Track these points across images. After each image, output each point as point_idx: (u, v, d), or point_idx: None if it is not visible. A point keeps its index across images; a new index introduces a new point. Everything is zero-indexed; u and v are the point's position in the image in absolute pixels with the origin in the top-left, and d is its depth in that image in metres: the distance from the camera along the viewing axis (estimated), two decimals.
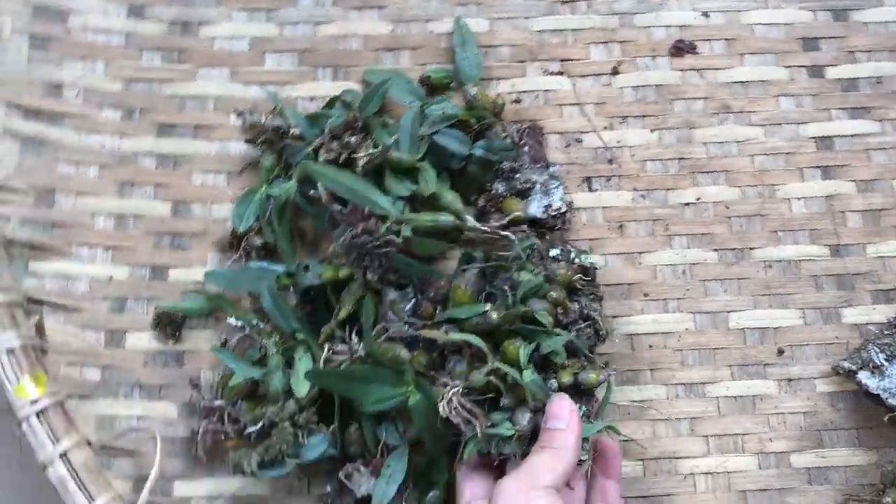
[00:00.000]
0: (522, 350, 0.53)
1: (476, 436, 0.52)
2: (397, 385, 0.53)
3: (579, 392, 0.55)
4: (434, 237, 0.58)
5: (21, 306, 0.55)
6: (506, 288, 0.55)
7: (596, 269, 0.60)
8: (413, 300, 0.58)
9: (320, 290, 0.59)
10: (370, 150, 0.59)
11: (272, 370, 0.55)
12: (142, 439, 0.57)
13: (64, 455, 0.51)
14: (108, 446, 0.56)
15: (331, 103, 0.63)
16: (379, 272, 0.56)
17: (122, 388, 0.59)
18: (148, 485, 0.50)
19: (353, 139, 0.59)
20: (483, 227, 0.56)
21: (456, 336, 0.53)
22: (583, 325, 0.57)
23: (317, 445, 0.55)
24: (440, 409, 0.51)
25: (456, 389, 0.51)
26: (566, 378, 0.54)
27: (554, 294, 0.55)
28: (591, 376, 0.54)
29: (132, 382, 0.59)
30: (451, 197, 0.58)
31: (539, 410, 0.53)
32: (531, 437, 0.53)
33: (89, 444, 0.53)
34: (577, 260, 0.59)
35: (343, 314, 0.57)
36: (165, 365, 0.59)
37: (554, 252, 0.59)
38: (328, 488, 0.56)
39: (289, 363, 0.56)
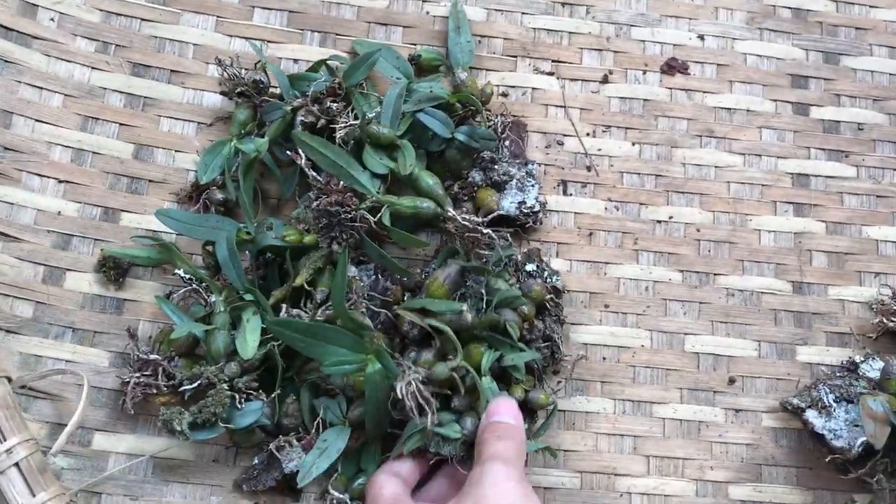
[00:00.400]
0: (486, 356, 0.53)
1: (424, 429, 0.50)
2: (358, 350, 0.51)
3: (526, 409, 0.55)
4: (413, 223, 0.57)
5: None
6: (482, 291, 0.54)
7: (563, 292, 0.59)
8: (373, 277, 0.57)
9: (277, 253, 0.57)
10: (350, 121, 0.57)
11: (218, 328, 0.53)
12: (66, 385, 0.54)
13: None
14: (29, 386, 0.53)
15: (315, 67, 0.61)
16: (345, 245, 0.54)
17: (54, 328, 0.56)
18: (69, 427, 0.48)
19: (334, 105, 0.57)
20: (465, 221, 0.54)
21: (438, 325, 0.52)
22: (542, 345, 0.57)
23: (252, 412, 0.53)
24: (397, 388, 0.49)
25: (417, 375, 0.49)
26: (517, 393, 0.55)
27: (525, 309, 0.55)
28: (540, 397, 0.56)
29: (65, 324, 0.56)
30: (431, 181, 0.57)
31: None
32: (469, 445, 0.53)
33: (9, 380, 0.50)
34: (550, 280, 0.58)
35: (299, 281, 0.55)
36: (103, 311, 0.57)
37: (530, 266, 0.58)
38: (256, 460, 0.54)
39: (234, 324, 0.54)
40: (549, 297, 0.57)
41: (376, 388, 0.51)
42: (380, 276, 0.57)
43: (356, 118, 0.58)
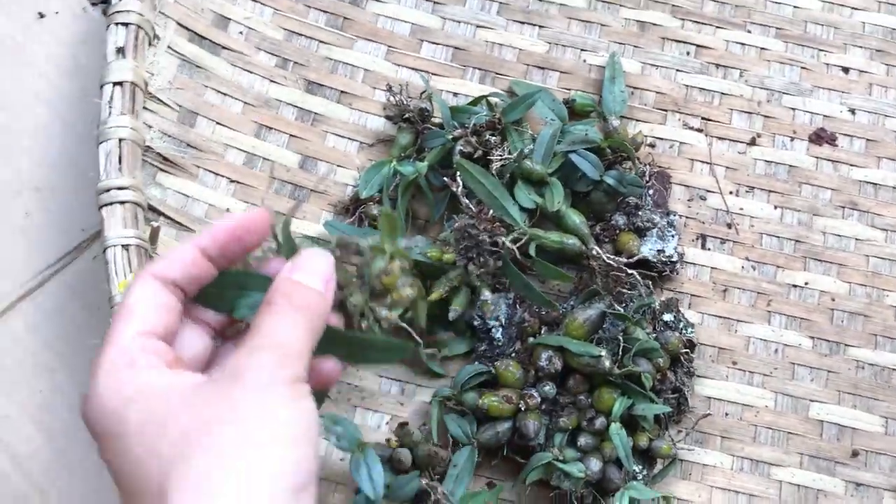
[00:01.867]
0: (619, 403, 0.55)
1: (549, 463, 0.53)
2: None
3: (647, 456, 0.57)
4: (555, 258, 0.59)
5: (144, 210, 0.56)
6: (619, 338, 0.55)
7: (697, 345, 0.61)
8: (507, 305, 0.59)
9: (419, 271, 0.60)
10: (505, 155, 0.60)
11: None
12: None
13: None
14: None
15: (476, 101, 0.64)
16: (482, 270, 0.57)
17: None
18: None
19: (492, 139, 0.60)
20: (609, 259, 0.57)
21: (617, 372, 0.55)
22: (671, 396, 0.58)
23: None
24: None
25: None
26: (642, 441, 0.56)
27: (661, 361, 0.57)
28: (663, 447, 0.57)
29: None
30: (577, 219, 0.59)
31: (609, 461, 0.54)
32: (594, 486, 0.55)
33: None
34: (685, 332, 0.60)
35: (435, 296, 0.57)
36: None
37: (667, 317, 0.60)
38: None
39: None
40: (684, 350, 0.59)
41: None
42: (518, 307, 0.59)
43: (510, 153, 0.60)
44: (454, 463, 0.55)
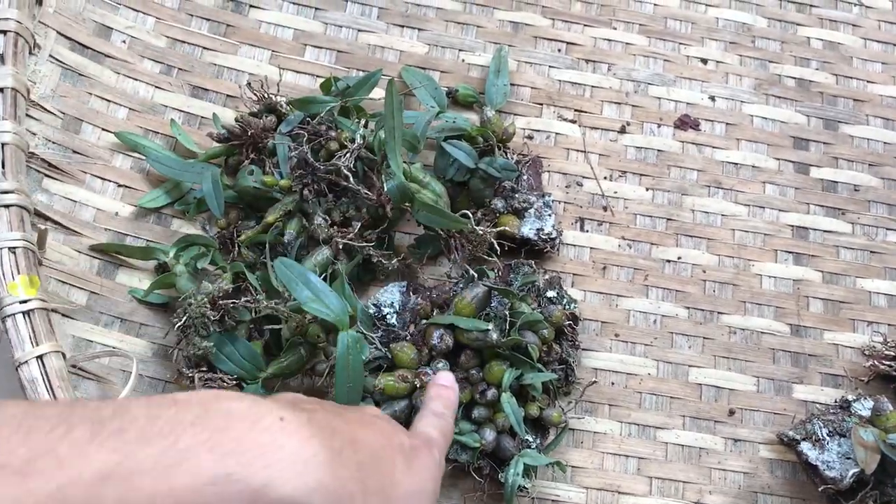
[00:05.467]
0: (508, 374, 0.57)
1: None
2: (341, 314, 0.55)
3: (540, 425, 0.59)
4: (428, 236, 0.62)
5: (30, 213, 0.56)
6: (506, 313, 0.58)
7: (580, 319, 0.64)
8: (401, 293, 0.61)
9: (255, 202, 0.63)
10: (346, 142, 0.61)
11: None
12: (112, 370, 0.58)
13: (40, 358, 0.52)
14: (80, 367, 0.56)
15: (325, 84, 0.66)
16: (316, 197, 0.61)
17: (104, 317, 0.59)
18: (122, 396, 0.51)
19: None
20: (483, 232, 0.59)
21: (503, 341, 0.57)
22: (558, 367, 0.61)
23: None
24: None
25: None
26: (533, 410, 0.58)
27: (546, 332, 0.59)
28: (553, 415, 0.59)
29: (115, 314, 0.60)
30: (439, 188, 0.61)
31: (503, 432, 0.57)
32: (490, 456, 0.57)
33: (64, 357, 0.54)
34: (568, 307, 0.63)
35: (270, 219, 0.60)
36: (149, 304, 0.61)
37: (551, 293, 0.62)
38: None
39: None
40: (567, 323, 0.62)
41: (346, 353, 0.54)
42: (411, 294, 0.61)
43: (351, 140, 0.61)
44: None
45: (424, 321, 0.60)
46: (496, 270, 0.62)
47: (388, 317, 0.60)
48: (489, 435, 0.57)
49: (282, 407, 0.35)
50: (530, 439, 0.58)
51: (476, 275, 0.60)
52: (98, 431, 0.30)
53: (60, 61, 0.63)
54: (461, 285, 0.62)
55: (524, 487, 0.58)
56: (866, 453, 0.57)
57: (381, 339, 0.60)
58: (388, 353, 0.59)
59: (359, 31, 0.72)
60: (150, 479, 0.30)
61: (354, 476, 0.35)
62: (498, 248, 0.61)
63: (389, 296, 0.61)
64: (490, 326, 0.56)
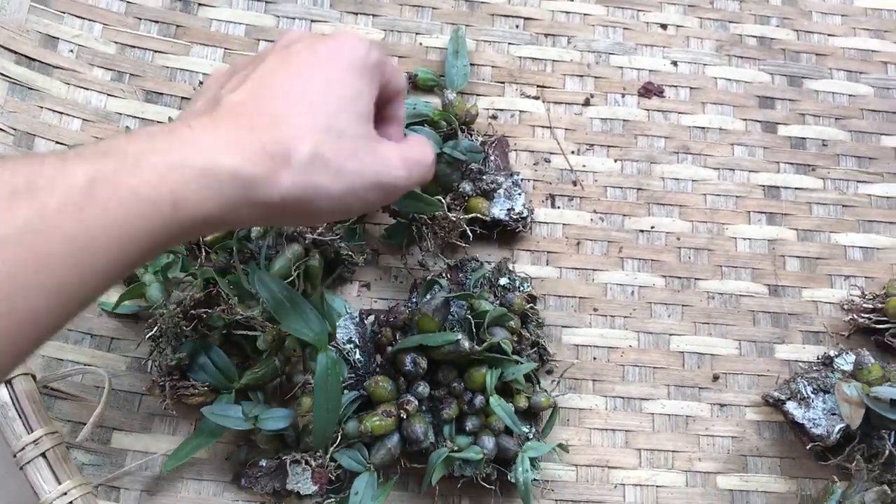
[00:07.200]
0: (489, 376, 0.56)
1: (448, 457, 0.54)
2: (321, 333, 0.54)
3: (531, 414, 0.59)
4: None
5: None
6: (469, 317, 0.57)
7: (537, 297, 0.63)
8: (354, 324, 0.59)
9: None
10: None
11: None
12: (86, 387, 0.57)
13: (9, 382, 0.51)
14: (52, 387, 0.55)
15: None
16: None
17: (74, 334, 0.58)
18: (93, 418, 0.50)
19: None
20: (455, 217, 0.59)
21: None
22: (531, 351, 0.60)
23: (281, 418, 0.55)
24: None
25: None
26: (521, 402, 0.57)
27: (512, 323, 0.58)
28: (542, 400, 0.58)
29: (84, 330, 0.59)
30: None
31: (501, 433, 0.56)
32: (494, 461, 0.56)
33: (34, 378, 0.53)
34: (523, 288, 0.62)
35: None
36: (120, 318, 0.60)
37: (503, 280, 0.62)
38: (263, 462, 0.56)
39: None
40: (528, 306, 0.61)
41: (324, 373, 0.53)
42: (364, 322, 0.59)
43: None
44: (355, 490, 0.55)
45: (390, 348, 0.57)
46: (444, 275, 0.61)
47: (351, 354, 0.58)
48: (488, 443, 0.56)
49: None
50: (526, 431, 0.57)
51: (418, 280, 0.60)
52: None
53: (6, 76, 0.62)
54: (414, 300, 0.61)
55: (536, 480, 0.57)
56: (850, 408, 0.57)
57: (350, 379, 0.57)
58: (362, 391, 0.57)
59: (312, 21, 0.70)
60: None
61: None
62: (470, 234, 0.61)
63: (344, 332, 0.59)
64: (459, 336, 0.55)
